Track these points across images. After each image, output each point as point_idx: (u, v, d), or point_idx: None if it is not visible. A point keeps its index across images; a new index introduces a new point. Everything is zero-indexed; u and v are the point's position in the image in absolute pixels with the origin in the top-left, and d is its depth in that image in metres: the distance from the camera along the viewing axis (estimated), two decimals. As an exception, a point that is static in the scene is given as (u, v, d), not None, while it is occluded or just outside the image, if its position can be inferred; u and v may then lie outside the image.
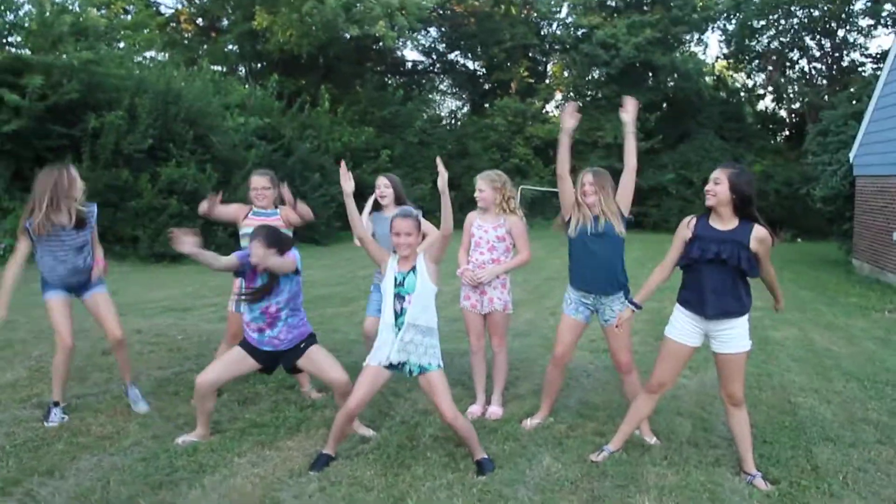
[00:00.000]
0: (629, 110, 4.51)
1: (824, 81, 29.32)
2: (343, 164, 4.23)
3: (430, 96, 34.04)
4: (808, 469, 4.01)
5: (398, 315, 3.79)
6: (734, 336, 3.80)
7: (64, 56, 13.56)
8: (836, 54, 29.15)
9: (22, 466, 3.69)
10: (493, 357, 4.99)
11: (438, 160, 3.84)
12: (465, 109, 35.19)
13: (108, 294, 4.75)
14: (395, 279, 3.82)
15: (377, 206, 5.20)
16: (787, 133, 32.26)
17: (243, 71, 27.16)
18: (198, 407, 4.13)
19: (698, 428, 4.64)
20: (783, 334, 7.95)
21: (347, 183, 4.04)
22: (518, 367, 6.09)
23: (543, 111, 31.24)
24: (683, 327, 3.92)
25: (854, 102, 17.74)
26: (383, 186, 5.17)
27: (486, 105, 32.36)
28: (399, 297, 3.79)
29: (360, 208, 4.64)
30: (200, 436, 4.14)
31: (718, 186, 3.71)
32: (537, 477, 3.78)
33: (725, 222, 3.75)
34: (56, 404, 4.44)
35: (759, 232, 3.69)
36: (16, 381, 5.17)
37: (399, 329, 3.77)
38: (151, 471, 3.71)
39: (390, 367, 3.83)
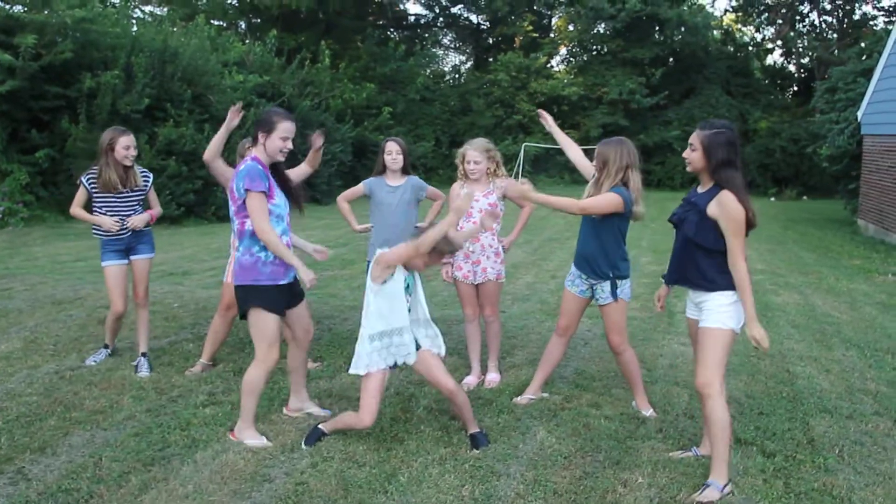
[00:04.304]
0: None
1: (834, 35, 28.78)
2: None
3: (433, 51, 33.57)
4: (804, 442, 3.98)
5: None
6: (706, 308, 3.43)
7: (58, 13, 13.33)
8: (848, 7, 28.55)
9: (14, 443, 3.68)
10: (486, 326, 4.95)
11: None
12: (468, 65, 34.75)
13: (150, 261, 5.14)
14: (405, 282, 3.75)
15: (382, 170, 5.07)
16: (795, 89, 31.81)
17: (242, 26, 26.74)
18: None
19: (695, 399, 4.58)
20: (784, 299, 7.91)
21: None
22: (516, 334, 6.07)
23: (547, 66, 30.78)
24: (687, 301, 3.66)
25: (864, 58, 17.39)
26: (395, 153, 4.97)
27: (490, 60, 31.91)
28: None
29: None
30: None
31: (694, 153, 3.41)
32: (530, 451, 3.77)
33: (703, 187, 3.47)
34: (144, 354, 4.96)
35: (722, 197, 3.29)
36: (10, 352, 5.16)
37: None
38: (144, 446, 3.70)
39: (391, 366, 3.82)
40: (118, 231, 4.83)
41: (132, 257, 4.99)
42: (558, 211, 4.23)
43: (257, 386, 3.79)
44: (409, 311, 3.77)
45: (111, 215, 4.81)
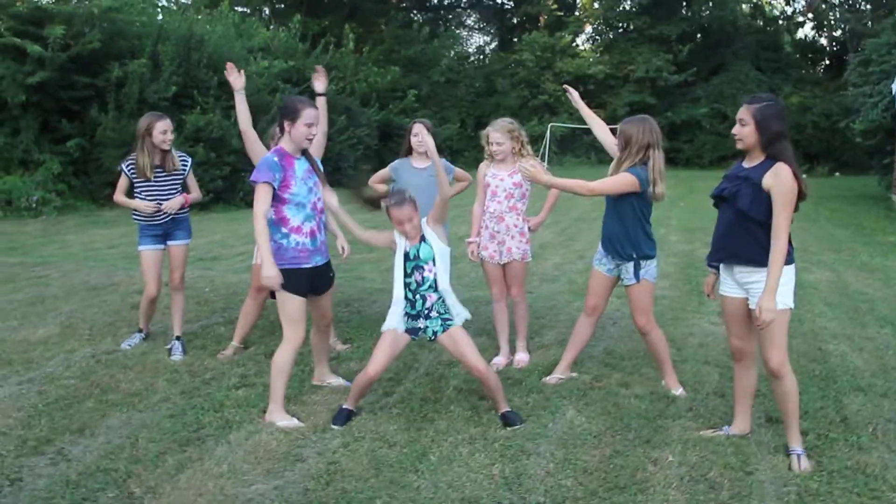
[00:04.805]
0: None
1: (868, 6, 28.07)
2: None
3: (457, 32, 33.39)
4: (837, 421, 3.94)
5: (420, 285, 3.81)
6: (762, 289, 3.32)
7: (85, 3, 13.48)
8: (882, -24, 27.80)
9: (54, 425, 3.77)
10: (513, 307, 4.96)
11: (421, 128, 3.82)
12: (493, 45, 34.53)
13: (187, 246, 5.23)
14: (409, 254, 3.81)
15: (408, 152, 5.09)
16: (827, 63, 31.17)
17: (266, 12, 26.80)
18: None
19: (725, 377, 4.57)
20: (816, 277, 7.80)
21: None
22: (544, 315, 6.06)
23: (573, 45, 30.46)
24: (726, 280, 3.59)
25: (899, 29, 16.95)
26: (422, 135, 4.91)
27: (514, 40, 31.67)
28: (418, 268, 3.80)
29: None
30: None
31: (745, 128, 3.34)
32: (560, 430, 3.78)
33: (753, 161, 3.40)
34: (178, 338, 5.04)
35: (778, 168, 3.24)
36: (48, 337, 5.27)
37: (423, 299, 3.82)
38: (179, 427, 3.77)
39: (409, 331, 3.86)
40: (156, 215, 4.91)
41: (169, 243, 5.06)
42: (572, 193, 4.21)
43: (285, 366, 3.89)
44: (433, 283, 3.80)
45: (151, 200, 4.89)
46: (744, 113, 3.35)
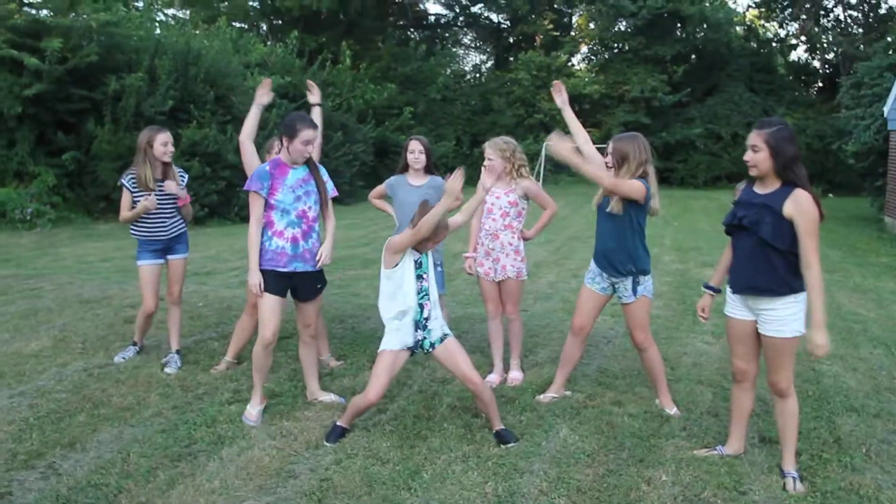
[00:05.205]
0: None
1: (860, 30, 28.43)
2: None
3: (454, 50, 33.58)
4: (830, 441, 3.94)
5: (418, 293, 3.79)
6: (776, 318, 3.35)
7: (83, 17, 13.53)
8: (873, 0, 28.14)
9: (45, 439, 3.75)
10: (508, 324, 4.96)
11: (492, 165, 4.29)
12: (489, 64, 34.74)
13: (185, 260, 5.25)
14: (416, 262, 3.78)
15: (404, 169, 5.11)
16: (820, 85, 31.46)
17: (263, 28, 26.93)
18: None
19: (719, 397, 4.58)
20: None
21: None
22: (538, 333, 6.06)
23: (568, 65, 30.68)
24: (734, 301, 3.55)
25: (891, 53, 17.15)
26: (417, 152, 5.00)
27: (511, 59, 31.87)
28: (420, 277, 3.80)
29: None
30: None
31: (758, 154, 3.28)
32: (553, 449, 3.77)
33: (767, 187, 3.35)
34: (177, 351, 5.08)
35: (797, 195, 3.20)
36: (40, 350, 5.25)
37: (421, 308, 3.80)
38: (171, 442, 3.75)
39: (409, 348, 3.85)
40: (157, 232, 4.94)
41: (169, 257, 5.09)
42: (590, 179, 4.06)
43: (257, 361, 4.14)
44: (428, 291, 3.81)
45: (152, 213, 4.91)
46: (756, 139, 3.29)
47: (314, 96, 5.00)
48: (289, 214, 4.07)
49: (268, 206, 4.06)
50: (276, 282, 4.08)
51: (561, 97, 4.55)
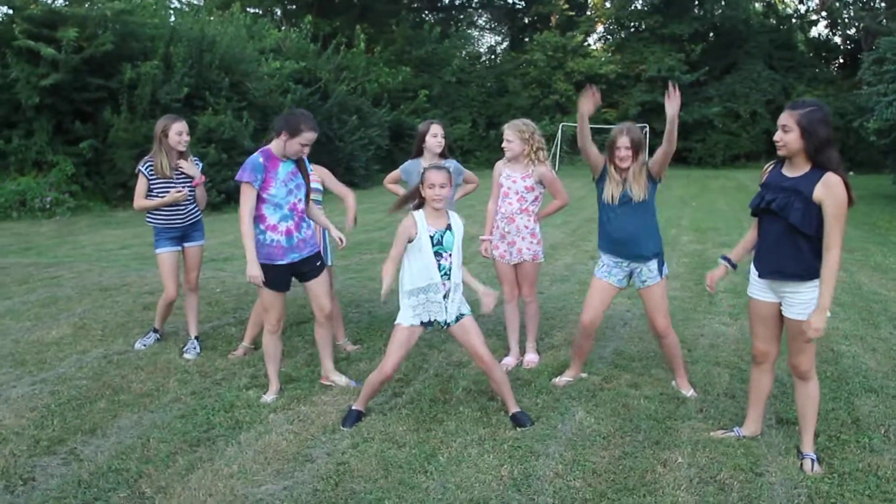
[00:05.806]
0: (674, 103, 3.83)
1: (882, 4, 27.82)
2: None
3: (468, 32, 33.39)
4: (849, 422, 3.91)
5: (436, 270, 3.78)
6: (801, 301, 3.30)
7: (98, 6, 13.58)
8: (896, -26, 27.57)
9: (66, 425, 3.81)
10: (524, 307, 4.95)
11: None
12: (504, 45, 34.50)
13: (202, 247, 5.32)
14: (433, 238, 3.76)
15: (419, 153, 5.10)
16: (841, 61, 30.94)
17: (277, 13, 26.90)
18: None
19: (736, 378, 4.56)
20: (829, 276, 7.73)
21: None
22: (554, 315, 6.06)
23: (584, 45, 30.40)
24: (758, 283, 3.50)
25: (913, 27, 16.82)
26: (440, 136, 5.05)
27: (526, 40, 31.63)
28: (439, 255, 3.76)
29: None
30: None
31: (788, 135, 3.18)
32: (569, 432, 3.77)
33: (796, 169, 3.27)
34: (196, 338, 5.15)
35: (829, 179, 3.12)
36: (60, 338, 5.32)
37: (440, 286, 3.78)
38: (190, 428, 3.80)
39: (423, 323, 3.84)
40: (174, 218, 4.99)
41: (186, 244, 5.14)
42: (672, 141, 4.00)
43: (267, 349, 4.30)
44: (449, 270, 3.78)
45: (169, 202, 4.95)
46: (787, 119, 3.21)
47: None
48: (281, 209, 4.11)
49: (259, 200, 4.06)
50: (276, 274, 4.14)
51: (594, 101, 4.04)
